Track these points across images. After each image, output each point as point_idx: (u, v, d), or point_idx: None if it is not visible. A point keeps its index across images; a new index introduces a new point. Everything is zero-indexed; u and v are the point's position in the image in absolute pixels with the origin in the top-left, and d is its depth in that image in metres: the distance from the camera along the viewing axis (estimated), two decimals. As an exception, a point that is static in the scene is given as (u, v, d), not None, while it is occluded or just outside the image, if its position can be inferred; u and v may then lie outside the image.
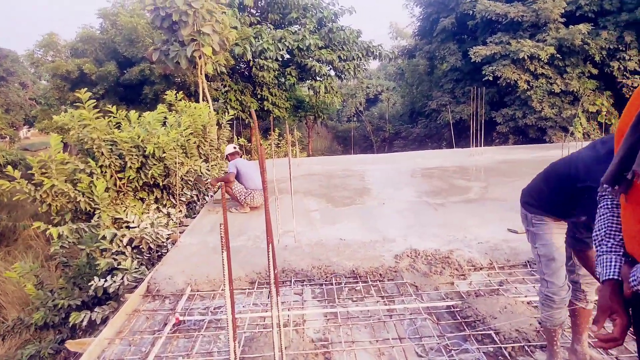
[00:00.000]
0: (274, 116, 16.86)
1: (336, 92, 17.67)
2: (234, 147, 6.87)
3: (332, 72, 17.41)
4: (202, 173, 7.65)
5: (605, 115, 15.58)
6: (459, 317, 3.38)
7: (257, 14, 17.32)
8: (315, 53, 15.84)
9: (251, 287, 4.14)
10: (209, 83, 15.06)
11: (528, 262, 4.25)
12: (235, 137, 12.11)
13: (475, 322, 3.28)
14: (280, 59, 16.21)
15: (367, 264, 4.36)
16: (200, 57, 11.60)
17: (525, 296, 3.62)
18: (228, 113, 9.61)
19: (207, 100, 12.14)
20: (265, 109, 16.76)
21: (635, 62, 14.80)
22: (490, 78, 15.60)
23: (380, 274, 4.20)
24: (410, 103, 25.26)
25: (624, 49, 14.87)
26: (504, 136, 18.30)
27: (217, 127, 10.07)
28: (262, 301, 3.84)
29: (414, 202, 6.51)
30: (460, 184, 7.58)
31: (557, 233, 2.57)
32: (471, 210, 5.93)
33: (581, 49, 14.91)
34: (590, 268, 2.36)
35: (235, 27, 13.37)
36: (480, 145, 10.72)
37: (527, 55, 14.88)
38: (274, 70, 15.55)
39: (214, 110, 14.37)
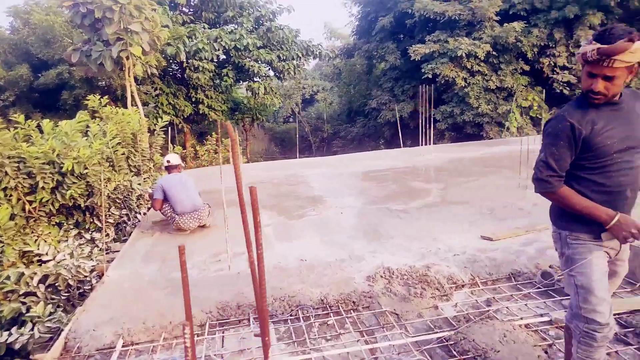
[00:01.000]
0: (211, 120, 15.90)
1: (275, 93, 17.00)
2: (168, 161, 5.94)
3: (271, 73, 16.72)
4: (133, 189, 6.70)
5: (537, 109, 16.13)
6: (455, 353, 2.87)
7: (190, 13, 16.25)
8: (253, 53, 15.07)
9: (200, 331, 3.41)
10: (138, 86, 13.84)
11: (511, 274, 3.85)
12: (170, 144, 11.09)
13: (476, 358, 2.78)
14: (216, 60, 15.29)
15: (336, 290, 3.77)
16: (127, 58, 10.51)
17: (521, 318, 3.19)
18: (161, 118, 8.62)
19: (137, 105, 11.04)
20: (201, 112, 15.75)
21: (564, 58, 15.39)
22: (430, 76, 15.64)
23: (353, 302, 3.63)
24: (348, 102, 25.09)
25: (553, 45, 15.43)
26: (441, 133, 18.53)
27: (149, 134, 9.08)
28: (216, 351, 3.13)
29: (374, 210, 6.02)
30: (418, 186, 7.20)
31: (598, 257, 2.11)
32: (436, 217, 5.53)
33: (514, 46, 15.31)
34: (572, 206, 2.03)
35: (167, 26, 12.32)
36: (428, 144, 10.50)
37: (465, 53, 15.05)
38: (209, 72, 14.60)
39: (145, 115, 13.21)
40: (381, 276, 3.92)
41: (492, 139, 15.37)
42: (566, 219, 2.15)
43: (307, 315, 3.51)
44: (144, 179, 7.58)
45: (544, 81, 16.28)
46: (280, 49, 15.93)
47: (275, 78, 17.09)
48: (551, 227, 2.34)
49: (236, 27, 15.71)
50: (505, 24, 15.01)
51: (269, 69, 16.35)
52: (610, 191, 2.05)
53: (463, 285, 3.79)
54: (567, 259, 2.18)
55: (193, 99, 15.71)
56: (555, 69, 15.64)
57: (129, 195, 6.70)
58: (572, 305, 2.15)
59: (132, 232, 6.05)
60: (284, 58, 15.97)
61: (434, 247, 4.47)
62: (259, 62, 15.28)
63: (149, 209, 7.16)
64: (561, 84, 15.59)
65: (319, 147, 26.56)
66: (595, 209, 2.00)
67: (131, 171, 7.47)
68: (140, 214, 6.99)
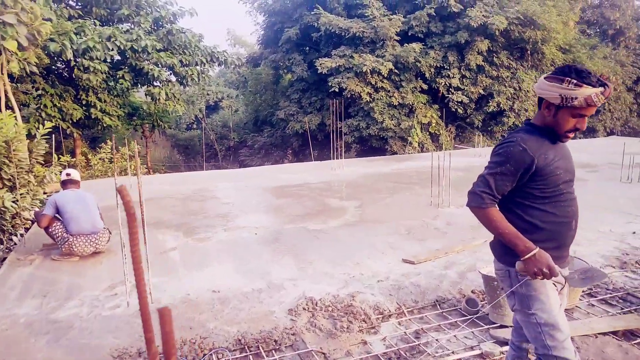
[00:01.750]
0: (105, 125, 14.47)
1: (178, 99, 16.00)
2: (68, 174, 5.13)
3: (173, 78, 15.71)
4: (6, 207, 5.65)
5: (435, 126, 17.14)
6: (392, 398, 2.66)
7: (78, 7, 14.65)
8: (152, 56, 14.00)
9: (94, 391, 2.82)
10: (15, 85, 12.10)
11: (437, 301, 3.78)
12: (54, 154, 9.77)
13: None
14: (110, 61, 13.94)
15: (255, 327, 3.40)
16: (0, 53, 9.07)
17: (452, 352, 3.08)
18: (43, 123, 7.50)
19: (13, 107, 9.57)
20: (93, 116, 14.24)
21: (458, 80, 16.55)
22: (336, 89, 15.85)
23: (275, 341, 3.27)
24: (255, 111, 24.65)
25: (448, 67, 16.52)
26: (348, 146, 18.91)
27: (29, 140, 7.85)
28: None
29: (292, 230, 5.72)
30: (334, 203, 7.06)
31: (553, 290, 2.04)
32: (356, 237, 5.39)
33: (414, 65, 16.12)
34: (494, 229, 1.98)
35: (50, 19, 10.91)
36: (339, 157, 10.51)
37: (369, 69, 15.49)
38: (102, 73, 13.23)
39: (24, 119, 11.57)
40: (304, 308, 3.62)
41: (396, 153, 15.98)
42: (514, 253, 2.03)
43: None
44: (21, 194, 6.48)
45: (441, 100, 17.38)
46: (182, 53, 15.02)
47: (178, 83, 16.10)
48: (495, 264, 2.23)
49: (132, 26, 14.51)
50: (406, 44, 15.76)
51: (171, 74, 15.33)
52: (560, 222, 2.04)
53: (390, 316, 3.63)
54: (523, 297, 2.07)
55: (84, 102, 14.15)
56: (450, 89, 16.76)
57: (0, 214, 5.65)
58: (538, 347, 2.03)
59: (4, 259, 5.08)
60: (187, 63, 15.08)
61: (357, 272, 4.29)
62: (159, 65, 14.25)
63: (27, 229, 6.13)
64: (455, 103, 16.74)
65: (225, 155, 25.70)
66: (517, 238, 1.94)
67: (5, 185, 6.34)
68: (17, 235, 5.95)
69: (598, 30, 25.25)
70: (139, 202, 3.78)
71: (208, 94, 27.25)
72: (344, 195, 7.75)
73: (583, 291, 3.79)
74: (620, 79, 21.66)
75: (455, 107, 16.85)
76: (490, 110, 16.87)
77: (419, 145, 16.68)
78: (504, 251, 2.10)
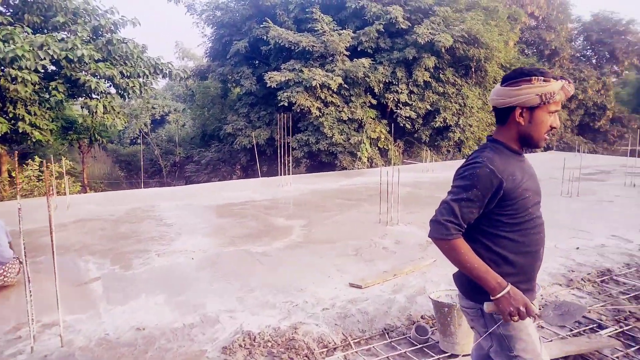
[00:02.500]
0: (34, 140, 13.44)
1: (118, 113, 15.17)
2: None
3: (113, 90, 14.89)
4: None
5: (384, 141, 17.24)
6: None
7: (7, 13, 13.63)
8: (90, 66, 13.18)
9: None
10: None
11: (385, 330, 3.52)
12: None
13: None
14: (42, 71, 13.01)
15: (184, 370, 2.99)
16: None
17: (402, 388, 2.82)
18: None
19: None
20: (21, 131, 13.19)
21: (406, 95, 16.77)
22: (286, 104, 15.61)
23: (206, 386, 2.88)
24: (202, 126, 23.94)
25: (396, 83, 16.71)
26: (298, 161, 18.67)
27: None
28: None
29: (232, 254, 5.32)
30: (279, 223, 6.72)
31: (532, 326, 1.82)
32: (301, 260, 5.07)
33: (363, 80, 16.18)
34: (461, 263, 1.73)
35: (-29, 24, 10.01)
36: (287, 173, 10.20)
37: (319, 84, 15.37)
38: (32, 84, 12.30)
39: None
40: (240, 345, 3.25)
41: (346, 168, 15.87)
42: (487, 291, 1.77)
43: (144, 415, 2.66)
44: None
45: (389, 115, 17.53)
46: (123, 64, 14.26)
47: (118, 96, 15.28)
48: (462, 301, 1.95)
49: (69, 35, 13.66)
50: (355, 60, 15.81)
51: (110, 86, 14.50)
52: (529, 251, 1.83)
53: (335, 349, 3.32)
54: (502, 338, 1.82)
55: (10, 115, 13.09)
56: (398, 104, 16.94)
57: None
58: None
59: None
60: (128, 75, 14.33)
61: (300, 299, 3.96)
62: (97, 77, 13.44)
63: None
64: (404, 118, 16.93)
65: (170, 171, 24.74)
66: (487, 273, 1.70)
67: None
68: None
69: (535, 50, 26.63)
70: (49, 226, 3.31)
71: (154, 108, 26.25)
72: (290, 213, 7.42)
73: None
74: (556, 97, 22.79)
75: (404, 122, 17.05)
76: (437, 125, 17.18)
77: (368, 161, 16.69)
78: (474, 287, 1.83)
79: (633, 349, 3.20)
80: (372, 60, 16.35)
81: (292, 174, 12.35)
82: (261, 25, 16.78)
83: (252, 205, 7.98)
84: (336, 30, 16.20)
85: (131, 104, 23.49)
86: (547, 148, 22.67)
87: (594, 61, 29.51)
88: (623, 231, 6.03)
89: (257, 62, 19.16)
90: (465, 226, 1.77)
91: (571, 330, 3.47)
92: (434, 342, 3.29)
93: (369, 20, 16.52)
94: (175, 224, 6.86)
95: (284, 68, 16.13)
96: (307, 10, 16.58)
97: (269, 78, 15.66)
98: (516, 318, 1.68)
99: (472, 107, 17.42)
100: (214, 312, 3.76)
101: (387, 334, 3.48)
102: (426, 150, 17.59)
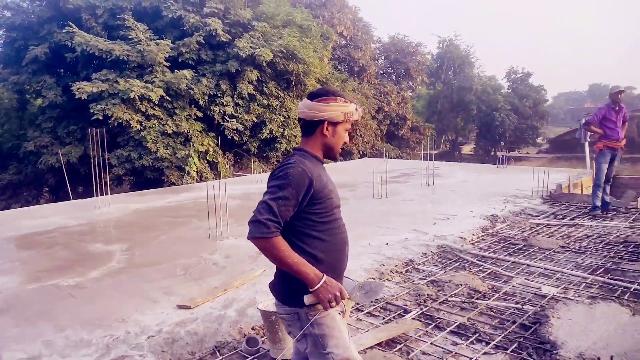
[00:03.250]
0: None
1: None
2: None
3: None
4: None
5: (213, 154, 17.03)
6: None
7: None
8: None
9: None
10: None
11: (216, 347, 3.47)
12: None
13: None
14: None
15: None
16: None
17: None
18: None
19: None
20: None
21: (232, 108, 16.87)
22: (101, 117, 14.24)
23: None
24: (-4, 144, 20.30)
25: (221, 95, 16.69)
26: (119, 179, 17.21)
27: None
28: None
29: (35, 290, 4.61)
30: (96, 249, 6.07)
31: (342, 322, 2.01)
32: (122, 287, 4.67)
33: (187, 93, 15.77)
34: (282, 260, 1.83)
35: None
36: (104, 193, 9.30)
37: (138, 96, 14.45)
38: None
39: None
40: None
41: (174, 183, 15.19)
42: (302, 293, 1.89)
43: None
44: None
45: (217, 128, 17.40)
46: None
47: None
48: (279, 308, 2.06)
49: None
50: (177, 71, 15.31)
51: None
52: (337, 249, 2.03)
53: (163, 377, 3.16)
54: (316, 338, 1.94)
55: None
56: (225, 116, 16.94)
57: None
58: None
59: None
60: None
61: (122, 331, 3.65)
62: None
63: None
64: (231, 130, 16.99)
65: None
66: (306, 266, 1.85)
67: None
68: None
69: (347, 66, 29.47)
70: None
71: None
72: (110, 237, 6.78)
73: (352, 307, 4.03)
74: (367, 109, 25.64)
75: (232, 134, 17.11)
76: (264, 137, 17.67)
77: (197, 175, 16.28)
78: (290, 292, 1.96)
79: (431, 326, 3.77)
80: (194, 72, 16.04)
81: (114, 193, 11.33)
82: (64, 30, 15.03)
83: (63, 232, 7.06)
84: (153, 39, 15.46)
85: None
86: (363, 155, 25.25)
87: (394, 77, 34.01)
88: (421, 225, 7.06)
89: (61, 70, 17.11)
90: (283, 224, 1.88)
91: (383, 318, 3.92)
92: (265, 352, 3.37)
93: (188, 31, 16.20)
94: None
95: (96, 78, 14.73)
96: (117, 16, 15.45)
97: (78, 89, 14.13)
98: (334, 304, 1.85)
99: (295, 118, 18.39)
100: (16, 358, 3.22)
101: (218, 351, 3.44)
102: (255, 162, 17.95)
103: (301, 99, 19.76)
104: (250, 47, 16.13)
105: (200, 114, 16.69)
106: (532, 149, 44.09)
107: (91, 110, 14.29)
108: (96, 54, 14.73)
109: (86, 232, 7.09)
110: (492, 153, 36.80)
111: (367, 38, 30.26)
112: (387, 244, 6.04)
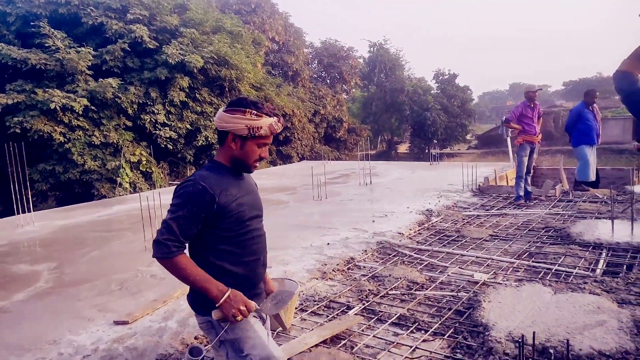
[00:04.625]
0: None
1: None
2: None
3: None
4: None
5: (146, 164, 16.39)
6: None
7: None
8: None
9: None
10: None
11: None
12: None
13: None
14: None
15: None
16: None
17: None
18: None
19: None
20: None
21: (163, 116, 16.34)
22: (18, 130, 13.26)
23: None
24: None
25: (151, 103, 16.12)
26: (44, 194, 16.11)
27: None
28: None
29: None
30: (20, 270, 5.64)
31: (257, 322, 2.03)
32: (51, 308, 4.38)
33: (114, 102, 15.06)
34: (185, 277, 1.86)
35: None
36: (27, 211, 8.68)
37: (59, 107, 13.61)
38: None
39: None
40: None
41: (105, 196, 14.45)
42: (213, 303, 1.90)
43: None
44: None
45: (149, 137, 16.77)
46: None
47: None
48: (197, 318, 2.09)
49: None
50: (101, 80, 14.59)
51: None
52: (248, 261, 2.03)
53: (102, 397, 3.01)
54: (232, 343, 1.97)
55: None
56: (156, 125, 16.37)
57: None
58: None
59: None
60: None
61: (54, 353, 3.43)
62: None
63: None
64: (164, 139, 16.45)
65: None
66: (208, 282, 1.87)
67: None
68: None
69: (281, 71, 29.51)
70: None
71: None
72: (35, 257, 6.34)
73: (296, 308, 4.06)
74: (303, 113, 25.81)
75: (165, 143, 16.57)
76: (200, 144, 17.28)
77: (130, 186, 15.58)
78: (203, 303, 1.97)
79: (373, 319, 3.88)
80: (121, 80, 15.35)
81: (37, 210, 10.59)
82: (-28, 39, 13.87)
83: (-19, 256, 6.50)
84: (73, 47, 14.64)
85: None
86: (302, 158, 25.36)
87: (328, 81, 34.51)
88: (361, 223, 7.22)
89: (-30, 80, 15.72)
90: (186, 242, 1.89)
91: (327, 316, 3.98)
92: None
93: (112, 39, 15.50)
94: None
95: (10, 89, 13.70)
96: (32, 24, 14.48)
97: (-9, 101, 13.07)
98: (239, 317, 1.86)
99: (230, 124, 18.14)
100: None
101: (161, 364, 3.34)
102: (192, 170, 17.49)
103: (236, 104, 19.63)
104: (180, 53, 15.73)
105: (130, 123, 16.00)
106: (463, 145, 46.55)
107: (7, 124, 13.27)
108: (9, 63, 13.71)
109: (8, 253, 6.57)
110: (426, 151, 38.36)
111: (300, 43, 30.51)
112: (328, 244, 6.12)
